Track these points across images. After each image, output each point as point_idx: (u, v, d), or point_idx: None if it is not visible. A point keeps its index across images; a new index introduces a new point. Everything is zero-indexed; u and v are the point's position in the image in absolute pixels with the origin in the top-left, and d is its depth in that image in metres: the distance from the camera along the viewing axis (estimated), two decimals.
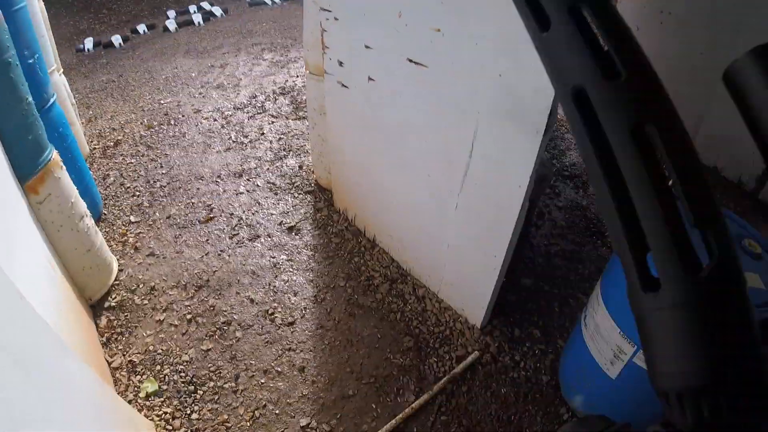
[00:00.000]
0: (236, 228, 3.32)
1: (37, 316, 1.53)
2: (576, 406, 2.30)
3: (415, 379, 2.45)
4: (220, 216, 3.42)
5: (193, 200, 3.58)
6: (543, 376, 2.47)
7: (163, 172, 3.89)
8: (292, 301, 2.84)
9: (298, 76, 5.39)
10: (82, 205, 2.62)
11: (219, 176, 3.82)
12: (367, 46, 2.32)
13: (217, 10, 7.59)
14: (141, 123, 4.58)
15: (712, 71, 4.66)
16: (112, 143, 4.26)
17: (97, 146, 4.23)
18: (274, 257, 3.11)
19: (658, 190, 0.30)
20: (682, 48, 4.83)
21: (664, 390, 0.28)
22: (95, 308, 2.78)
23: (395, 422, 2.25)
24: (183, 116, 4.69)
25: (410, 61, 2.14)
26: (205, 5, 7.80)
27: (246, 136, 4.31)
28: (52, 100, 2.88)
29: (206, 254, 3.13)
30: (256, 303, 2.84)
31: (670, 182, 0.29)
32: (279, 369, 2.51)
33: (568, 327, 2.70)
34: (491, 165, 2.06)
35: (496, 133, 1.97)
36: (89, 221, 2.67)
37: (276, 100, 4.90)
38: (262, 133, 4.35)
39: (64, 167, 2.50)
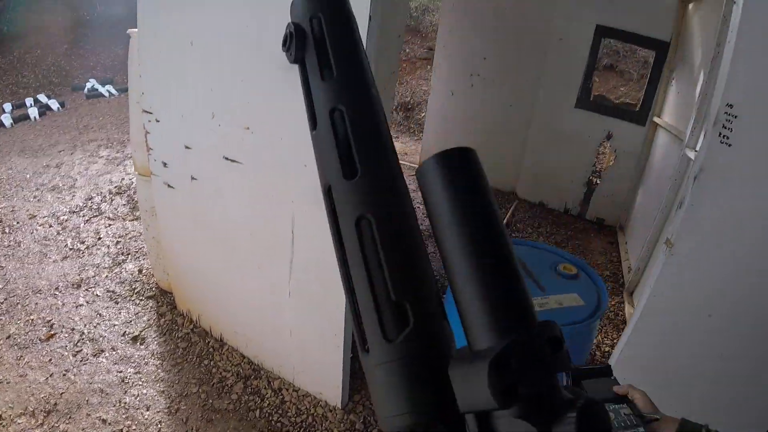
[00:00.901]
0: (79, 344, 3.01)
1: None
2: None
3: None
4: (62, 332, 3.08)
5: (32, 317, 3.21)
6: None
7: (0, 286, 3.47)
8: (146, 417, 2.58)
9: (134, 175, 5.15)
10: None
11: (57, 288, 3.47)
12: (187, 147, 2.34)
13: (54, 104, 7.18)
14: None
15: (521, 122, 5.32)
16: None
17: None
18: (121, 371, 2.84)
19: (369, 273, 0.33)
20: (493, 104, 5.45)
21: None
22: None
23: None
24: (17, 223, 4.27)
25: (226, 158, 2.19)
26: (42, 98, 7.33)
27: (83, 242, 3.99)
28: None
29: (51, 375, 2.78)
30: (109, 423, 2.54)
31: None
32: None
33: None
34: (312, 249, 2.13)
35: (312, 218, 2.05)
36: None
37: (112, 200, 4.64)
38: (99, 238, 4.06)
39: None
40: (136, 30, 2.37)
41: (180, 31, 2.07)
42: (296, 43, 0.38)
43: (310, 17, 0.38)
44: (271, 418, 2.59)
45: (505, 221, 4.93)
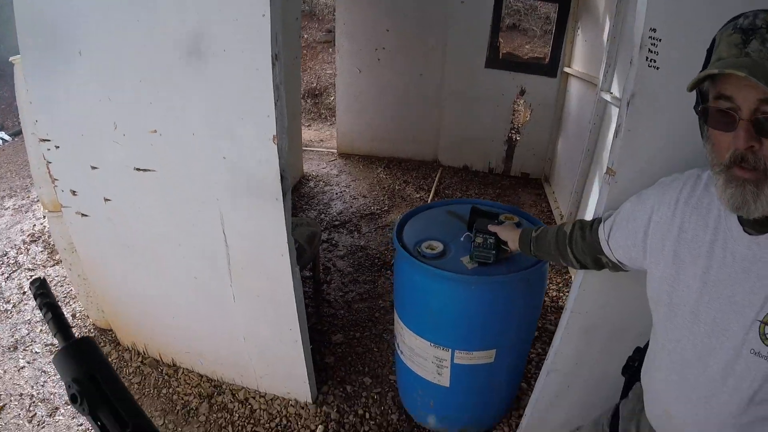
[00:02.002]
0: (32, 408, 2.78)
1: None
2: (433, 425, 2.33)
3: None
4: (11, 401, 2.83)
5: None
6: (391, 415, 2.47)
7: None
8: None
9: (44, 217, 4.80)
10: None
11: None
12: (93, 167, 2.15)
13: None
14: None
15: (433, 89, 5.36)
16: None
17: None
18: (81, 424, 2.66)
19: None
20: (402, 76, 5.45)
21: None
22: None
23: None
24: None
25: (137, 169, 2.04)
26: None
27: (8, 302, 3.67)
28: None
29: None
30: None
31: None
32: None
33: (392, 361, 2.75)
34: (248, 246, 2.04)
35: (241, 213, 1.96)
36: None
37: (28, 250, 4.30)
38: (24, 293, 3.76)
39: None
40: (18, 56, 2.17)
41: (65, 45, 1.91)
42: (87, 402, 0.47)
43: (89, 376, 0.47)
44: (244, 431, 2.51)
45: (432, 189, 5.03)
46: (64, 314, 0.54)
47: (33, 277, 0.58)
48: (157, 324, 2.75)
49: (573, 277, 3.47)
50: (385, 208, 4.68)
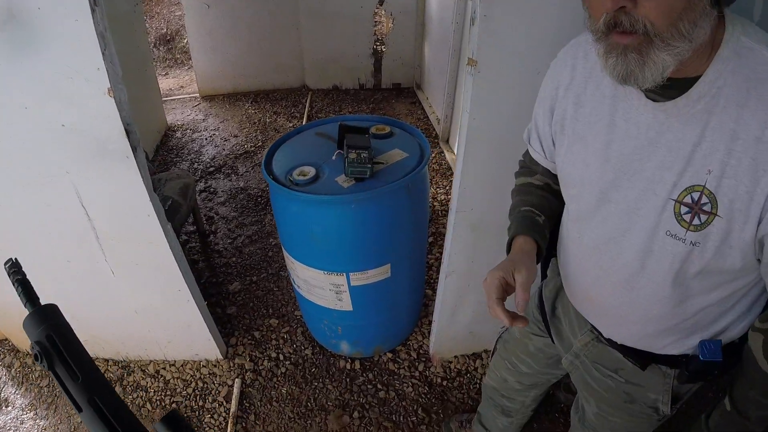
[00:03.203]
0: None
1: None
2: (347, 351, 2.34)
3: None
4: None
5: None
6: (305, 351, 2.44)
7: None
8: None
9: None
10: None
11: None
12: None
13: None
14: None
15: (290, 13, 5.04)
16: None
17: None
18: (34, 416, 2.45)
19: None
20: (253, 6, 5.07)
21: None
22: None
23: None
24: None
25: None
26: None
27: None
28: None
29: None
30: None
31: None
32: None
33: (294, 297, 2.68)
34: (112, 214, 1.85)
35: (95, 181, 1.75)
36: None
37: None
38: None
39: None
40: None
41: None
42: (46, 359, 0.54)
43: (45, 336, 0.56)
44: (163, 403, 2.39)
45: (305, 114, 4.86)
46: (32, 286, 0.64)
47: (6, 259, 0.55)
48: None
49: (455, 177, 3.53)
50: (259, 143, 4.47)
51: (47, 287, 2.19)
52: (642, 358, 1.02)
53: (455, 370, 2.30)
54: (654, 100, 0.79)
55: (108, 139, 1.62)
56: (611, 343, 1.05)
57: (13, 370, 2.80)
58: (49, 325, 0.58)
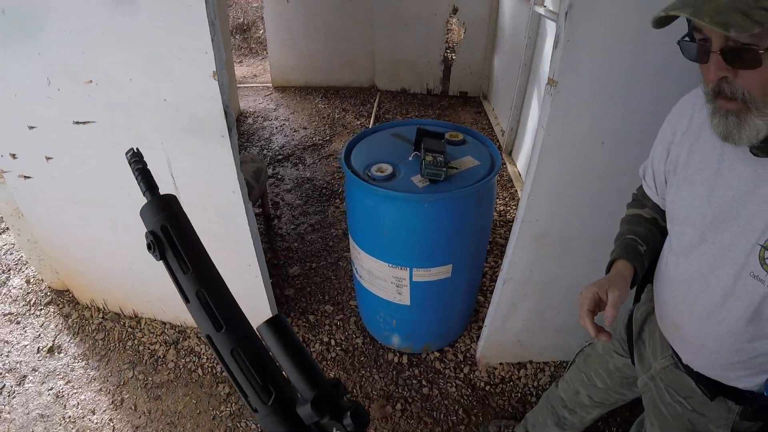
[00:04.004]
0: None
1: None
2: (398, 345, 2.42)
3: (251, 416, 2.31)
4: None
5: None
6: (356, 339, 2.53)
7: None
8: (95, 421, 2.43)
9: None
10: None
11: None
12: (31, 127, 2.04)
13: None
14: None
15: (365, 13, 5.19)
16: None
17: None
18: (52, 389, 2.62)
19: (245, 375, 0.52)
20: (332, 2, 5.23)
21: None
22: None
23: None
24: None
25: (77, 123, 1.94)
26: None
27: None
28: None
29: None
30: None
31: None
32: None
33: (351, 287, 2.80)
34: (198, 186, 1.98)
35: (188, 155, 1.89)
36: None
37: None
38: None
39: None
40: None
41: None
42: (158, 249, 0.55)
43: (160, 226, 0.55)
44: (214, 371, 2.53)
45: (373, 114, 4.98)
46: (152, 176, 0.62)
47: (128, 148, 0.60)
48: (114, 277, 2.69)
49: (520, 191, 3.58)
50: (327, 137, 4.62)
51: (123, 242, 2.39)
52: (712, 388, 1.08)
53: (499, 376, 2.35)
54: (756, 155, 0.87)
55: (207, 118, 1.75)
56: (688, 370, 1.13)
57: (71, 320, 2.99)
58: (166, 216, 0.57)
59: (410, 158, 1.99)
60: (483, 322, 2.29)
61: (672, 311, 1.12)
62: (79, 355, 2.78)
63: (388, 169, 1.88)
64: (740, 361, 1.00)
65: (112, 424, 2.43)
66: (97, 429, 2.43)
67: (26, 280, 3.37)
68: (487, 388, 2.31)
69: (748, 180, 0.89)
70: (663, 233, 1.18)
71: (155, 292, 2.64)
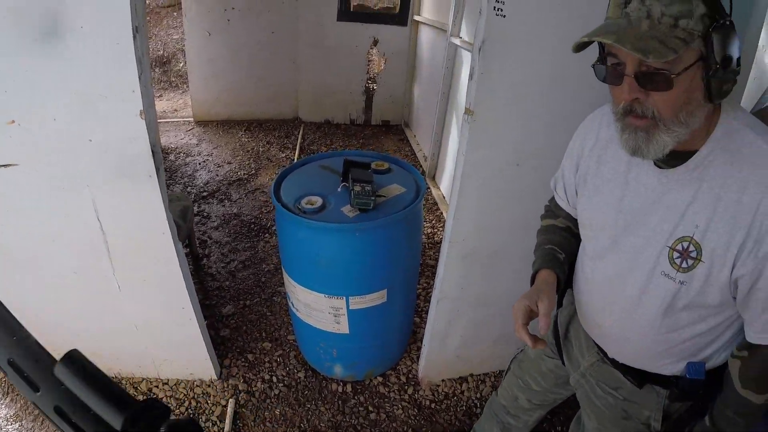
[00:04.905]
0: None
1: None
2: (341, 374, 2.42)
3: None
4: None
5: None
6: (298, 374, 2.51)
7: None
8: None
9: None
10: None
11: None
12: None
13: None
14: None
15: (288, 46, 5.23)
16: None
17: None
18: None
19: None
20: (255, 35, 5.27)
21: None
22: None
23: None
24: None
25: (2, 166, 1.83)
26: None
27: None
28: None
29: None
30: None
31: None
32: None
33: (287, 321, 2.78)
34: (127, 229, 1.93)
35: (114, 196, 1.84)
36: None
37: None
38: None
39: None
40: None
41: None
42: None
43: None
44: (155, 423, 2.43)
45: (297, 146, 5.00)
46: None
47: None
48: (43, 330, 2.50)
49: (445, 213, 3.70)
50: (252, 171, 4.59)
51: (50, 293, 2.26)
52: (639, 378, 1.18)
53: (443, 393, 2.40)
54: (660, 167, 0.98)
55: (135, 158, 1.72)
56: (614, 363, 1.22)
57: (1, 380, 2.81)
58: None
59: (339, 189, 2.04)
60: (421, 342, 2.34)
61: (593, 311, 1.21)
62: (11, 416, 2.61)
63: (318, 201, 1.92)
64: (662, 351, 1.10)
65: None
66: None
67: None
68: (433, 405, 2.35)
69: (653, 189, 0.99)
70: (577, 239, 1.28)
71: (88, 345, 2.34)
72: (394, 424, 2.28)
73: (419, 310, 2.80)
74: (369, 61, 5.36)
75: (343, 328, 2.09)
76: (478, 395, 2.38)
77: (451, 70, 3.85)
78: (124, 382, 2.61)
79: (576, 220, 1.27)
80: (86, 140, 1.70)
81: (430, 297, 2.70)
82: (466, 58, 3.49)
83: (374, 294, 2.01)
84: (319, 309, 2.06)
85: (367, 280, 1.98)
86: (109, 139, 1.70)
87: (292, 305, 2.22)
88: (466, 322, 2.17)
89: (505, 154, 1.72)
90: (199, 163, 4.78)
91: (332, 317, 2.06)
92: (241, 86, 5.53)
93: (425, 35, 4.93)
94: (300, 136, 5.30)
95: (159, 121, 5.46)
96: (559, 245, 1.28)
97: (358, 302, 2.00)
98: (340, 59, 5.29)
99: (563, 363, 1.43)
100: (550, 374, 1.52)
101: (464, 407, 2.34)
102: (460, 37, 3.63)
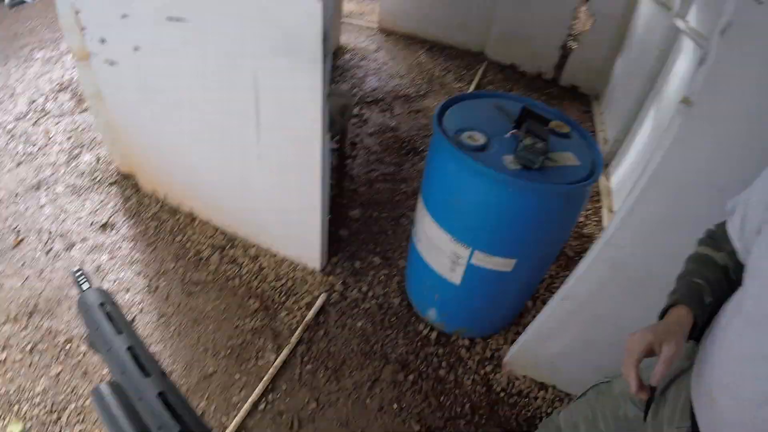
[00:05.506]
0: (49, 243, 2.89)
1: None
2: (432, 319, 2.35)
3: (270, 338, 2.33)
4: (29, 236, 2.95)
5: None
6: (394, 299, 2.49)
7: None
8: (126, 299, 2.54)
9: (73, 68, 4.71)
10: None
11: (16, 194, 3.27)
12: (124, 15, 2.06)
13: None
14: None
15: None
16: None
17: None
18: (95, 260, 2.76)
19: None
20: None
21: None
22: None
23: (263, 385, 2.14)
24: None
25: (170, 18, 1.93)
26: None
27: (34, 145, 3.72)
28: None
29: (26, 279, 2.70)
30: None
31: None
32: None
33: (405, 246, 2.73)
34: (280, 107, 1.95)
35: (276, 74, 1.84)
36: None
37: (56, 98, 4.27)
38: (50, 137, 3.78)
39: None
40: None
41: None
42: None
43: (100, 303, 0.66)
44: (251, 285, 2.56)
45: (474, 83, 4.77)
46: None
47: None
48: (179, 174, 2.75)
49: (605, 208, 3.37)
50: (422, 92, 4.48)
51: (194, 143, 2.41)
52: None
53: (518, 388, 2.23)
54: None
55: (303, 38, 1.67)
56: None
57: (129, 203, 3.10)
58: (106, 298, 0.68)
59: (507, 135, 1.85)
60: (524, 329, 2.15)
61: (714, 382, 0.94)
62: (129, 236, 2.88)
63: (481, 139, 1.76)
64: None
65: (141, 306, 2.51)
66: (126, 306, 2.51)
67: (96, 159, 3.51)
68: (502, 395, 2.20)
69: None
70: (731, 286, 0.99)
71: (215, 198, 2.68)
72: (457, 391, 2.19)
73: (535, 295, 2.61)
74: (575, 17, 4.89)
75: (456, 278, 1.98)
76: (550, 410, 2.17)
77: (666, 54, 3.37)
78: (237, 242, 2.74)
79: (739, 263, 0.98)
80: (259, 8, 1.69)
81: (553, 288, 2.50)
82: (686, 46, 3.03)
83: (502, 259, 1.84)
84: (440, 248, 1.95)
85: (500, 241, 1.82)
86: (282, 13, 1.67)
87: (416, 234, 2.14)
88: (577, 333, 1.93)
89: (716, 163, 1.40)
90: (372, 69, 4.75)
91: (449, 263, 1.95)
92: (433, 5, 5.32)
93: (645, 8, 4.32)
94: (480, 73, 5.06)
95: (343, 21, 5.49)
96: (710, 285, 1.01)
97: (482, 260, 1.86)
98: (544, 5, 4.84)
99: (645, 419, 1.17)
100: (625, 422, 1.27)
101: (529, 414, 2.15)
102: (686, 21, 3.13)
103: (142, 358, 0.58)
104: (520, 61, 5.28)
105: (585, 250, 2.52)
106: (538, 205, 1.70)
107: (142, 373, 0.57)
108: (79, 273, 0.74)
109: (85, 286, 0.70)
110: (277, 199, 2.36)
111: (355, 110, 3.87)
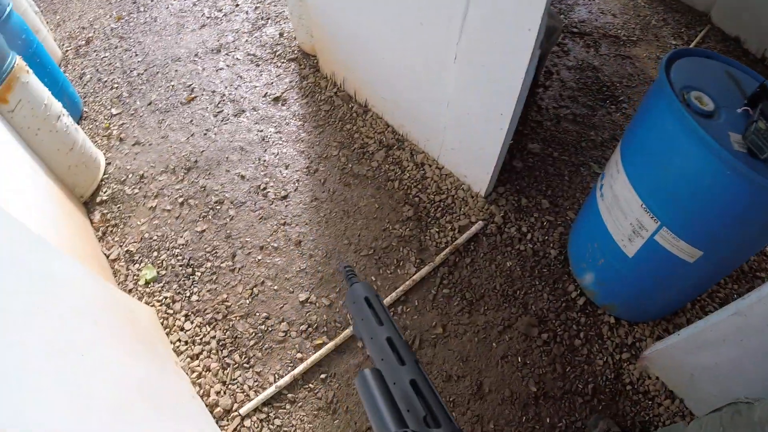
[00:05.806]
0: (220, 105, 3.14)
1: (13, 221, 1.43)
2: (586, 284, 2.22)
3: (415, 250, 2.37)
4: (202, 95, 3.23)
5: (172, 83, 3.37)
6: (551, 249, 2.39)
7: (139, 60, 3.62)
8: (284, 175, 2.70)
9: None
10: (57, 105, 2.53)
11: (196, 55, 3.56)
12: None
13: None
14: (110, 16, 4.17)
15: None
16: (83, 42, 3.91)
17: (69, 47, 3.88)
18: (261, 131, 2.94)
19: None
20: None
21: None
22: (88, 204, 2.71)
23: (396, 294, 2.21)
24: (151, 1, 4.29)
25: None
26: None
27: (220, 10, 3.96)
28: (8, 10, 2.68)
29: (192, 135, 2.98)
30: (247, 179, 2.71)
31: None
32: (275, 245, 2.43)
33: (579, 198, 2.58)
34: (494, 8, 1.76)
35: None
36: (67, 120, 2.58)
37: None
38: (237, 5, 3.99)
39: (31, 71, 2.43)
40: None
41: None
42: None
43: (365, 297, 0.79)
44: (409, 192, 2.58)
45: (693, 45, 4.15)
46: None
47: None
48: (361, 62, 2.72)
49: None
50: (633, 38, 4.03)
51: (385, 31, 2.34)
52: None
53: (645, 387, 2.06)
54: None
55: None
56: None
57: (306, 82, 3.19)
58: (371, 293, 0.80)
59: (739, 110, 1.61)
60: (674, 328, 1.97)
61: None
62: (299, 114, 3.00)
63: (710, 105, 1.54)
64: None
65: (297, 185, 2.65)
66: (282, 182, 2.66)
67: (280, 33, 3.62)
68: (628, 388, 2.06)
69: None
70: None
71: (395, 95, 2.64)
72: (586, 366, 2.09)
73: (699, 298, 2.29)
74: None
75: (630, 250, 1.83)
76: (669, 421, 1.98)
77: None
78: (405, 144, 2.74)
79: None
80: None
81: (715, 296, 2.25)
82: None
83: (688, 246, 1.65)
84: (624, 212, 1.80)
85: (695, 226, 1.61)
86: None
87: (600, 188, 1.99)
88: (737, 355, 1.63)
89: None
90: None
91: (629, 230, 1.80)
92: None
93: None
94: (699, 37, 4.40)
95: None
96: None
97: (666, 239, 1.68)
98: None
99: None
100: None
101: (647, 418, 1.99)
102: None
103: (399, 348, 0.67)
104: (747, 36, 4.40)
105: (763, 269, 2.26)
106: (756, 202, 1.46)
107: (399, 361, 0.65)
108: (348, 269, 0.86)
109: (353, 281, 0.81)
110: (461, 109, 2.24)
111: (559, 37, 3.61)
